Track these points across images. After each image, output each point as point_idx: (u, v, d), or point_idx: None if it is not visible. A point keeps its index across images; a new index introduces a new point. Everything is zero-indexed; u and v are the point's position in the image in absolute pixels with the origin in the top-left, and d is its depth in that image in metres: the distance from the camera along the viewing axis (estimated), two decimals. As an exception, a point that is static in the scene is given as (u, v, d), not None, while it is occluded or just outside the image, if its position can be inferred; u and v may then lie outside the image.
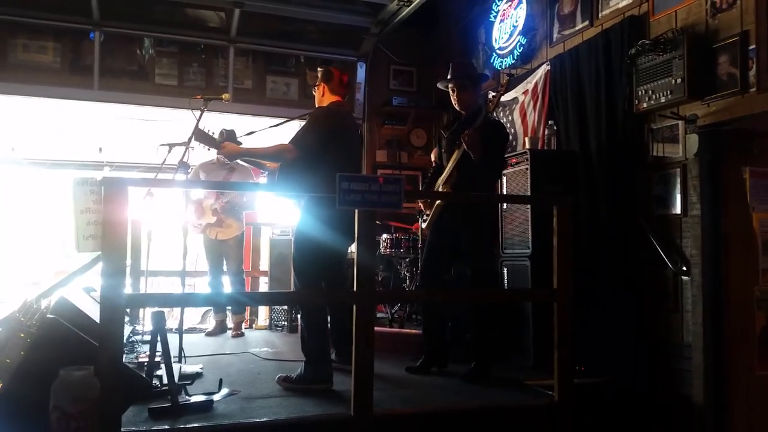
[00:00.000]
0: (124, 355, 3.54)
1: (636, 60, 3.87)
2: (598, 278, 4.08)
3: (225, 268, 5.50)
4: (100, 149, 7.06)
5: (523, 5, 5.31)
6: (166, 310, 3.37)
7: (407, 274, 5.39)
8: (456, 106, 3.93)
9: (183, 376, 3.40)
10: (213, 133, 3.79)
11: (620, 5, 4.28)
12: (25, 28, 6.03)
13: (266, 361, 4.20)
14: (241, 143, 5.39)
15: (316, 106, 3.73)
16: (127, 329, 4.49)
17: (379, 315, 5.11)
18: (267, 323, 6.01)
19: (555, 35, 5.04)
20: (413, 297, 4.84)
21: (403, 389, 3.42)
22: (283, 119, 3.76)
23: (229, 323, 5.60)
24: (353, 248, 2.98)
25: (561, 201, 3.15)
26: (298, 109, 6.16)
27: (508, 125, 5.38)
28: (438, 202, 3.86)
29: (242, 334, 5.41)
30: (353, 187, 2.70)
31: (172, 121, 6.51)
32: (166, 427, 2.59)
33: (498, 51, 5.63)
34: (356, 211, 2.76)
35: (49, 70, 6.13)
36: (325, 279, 3.57)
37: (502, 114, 5.49)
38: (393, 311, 5.19)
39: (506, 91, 3.88)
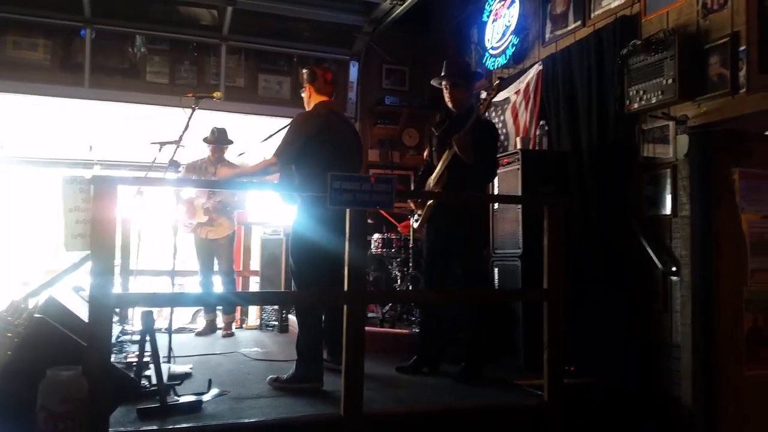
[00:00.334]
0: (113, 355, 3.51)
1: (627, 60, 3.88)
2: (589, 278, 4.09)
3: (216, 267, 5.47)
4: (90, 147, 7.01)
5: (516, 5, 5.32)
6: (155, 309, 3.35)
7: (398, 274, 5.39)
8: (448, 104, 3.93)
9: (172, 377, 3.38)
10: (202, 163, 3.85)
11: (612, 5, 4.29)
12: (15, 24, 5.99)
13: (256, 362, 4.18)
14: (232, 142, 5.42)
15: (305, 108, 3.73)
16: (116, 329, 4.47)
17: (370, 315, 5.10)
18: (257, 323, 5.99)
19: (547, 35, 5.05)
20: (404, 297, 4.84)
21: (393, 389, 3.42)
22: (272, 132, 3.75)
23: (220, 323, 5.58)
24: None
25: (552, 201, 3.16)
26: (290, 108, 6.17)
27: (500, 125, 5.38)
28: (429, 201, 3.85)
29: (232, 334, 5.39)
30: (345, 186, 2.70)
31: (163, 119, 6.48)
32: (155, 427, 2.57)
33: (490, 50, 5.64)
34: (347, 210, 2.76)
35: (39, 67, 6.09)
36: (322, 278, 3.56)
37: (494, 114, 5.50)
38: (384, 311, 5.18)
39: (497, 93, 3.87)
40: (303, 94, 3.76)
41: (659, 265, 3.69)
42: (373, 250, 5.43)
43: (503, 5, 5.52)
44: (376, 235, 5.47)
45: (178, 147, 4.04)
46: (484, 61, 5.74)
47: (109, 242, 2.48)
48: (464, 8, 6.32)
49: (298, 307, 3.55)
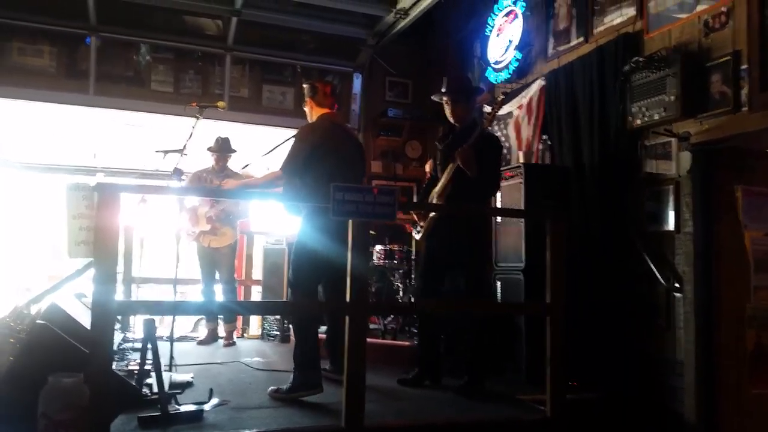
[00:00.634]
0: (114, 363, 3.51)
1: (630, 77, 3.91)
2: (591, 293, 4.09)
3: (218, 276, 5.47)
4: (95, 154, 7.04)
5: (519, 20, 5.35)
6: (157, 317, 3.35)
7: (400, 286, 5.38)
8: (450, 119, 3.96)
9: (173, 385, 3.37)
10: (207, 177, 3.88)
11: (615, 22, 4.33)
12: (22, 31, 6.03)
13: (257, 371, 4.17)
14: (235, 151, 5.44)
15: (308, 122, 3.77)
16: (118, 336, 4.46)
17: (372, 326, 5.09)
18: (259, 333, 5.98)
19: (550, 51, 5.09)
20: (406, 308, 4.83)
21: (395, 401, 3.41)
22: (275, 145, 3.79)
23: (221, 332, 5.56)
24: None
25: (555, 215, 3.17)
26: (293, 119, 6.20)
27: (503, 139, 5.40)
28: (432, 213, 3.87)
29: (234, 344, 5.38)
30: (347, 197, 2.71)
31: (167, 128, 6.51)
32: (156, 436, 2.57)
33: (493, 65, 5.67)
34: (350, 221, 2.77)
35: (44, 74, 6.12)
36: (318, 289, 3.57)
37: (496, 128, 5.52)
38: (386, 323, 5.17)
39: (500, 108, 3.90)
40: (305, 108, 3.81)
41: (662, 281, 3.69)
42: (375, 261, 5.44)
43: (506, 21, 5.56)
44: (378, 247, 5.47)
45: (182, 156, 4.06)
46: (486, 75, 5.77)
47: (112, 250, 2.49)
48: (467, 23, 6.37)
49: (295, 317, 3.55)
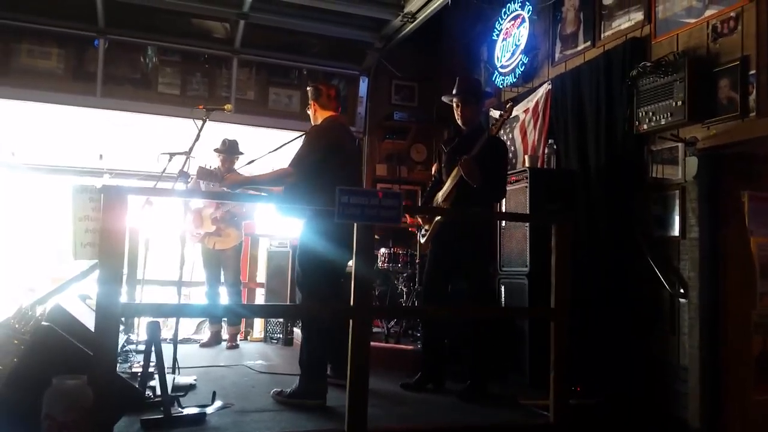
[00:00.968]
0: (118, 365, 3.51)
1: (637, 81, 3.90)
2: (596, 298, 4.07)
3: (222, 278, 5.48)
4: (101, 156, 7.06)
5: (526, 24, 5.35)
6: (161, 319, 3.35)
7: (404, 289, 5.37)
8: (458, 121, 3.96)
9: (176, 388, 3.37)
10: (212, 166, 3.94)
11: (622, 27, 4.32)
12: (30, 33, 6.06)
13: (260, 374, 4.17)
14: (242, 153, 5.44)
15: (312, 124, 3.76)
16: (122, 338, 4.47)
17: (375, 330, 5.08)
18: (262, 335, 5.98)
19: (557, 55, 5.08)
20: (410, 312, 4.82)
21: (398, 406, 3.40)
22: (281, 144, 3.79)
23: (224, 334, 5.57)
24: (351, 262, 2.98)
25: (560, 219, 3.15)
26: (300, 121, 6.20)
27: (509, 143, 5.40)
28: (437, 217, 3.87)
29: (237, 346, 5.38)
30: (352, 200, 2.70)
31: (174, 130, 6.53)
32: (158, 438, 2.57)
33: (500, 69, 5.66)
34: (355, 224, 2.76)
35: (52, 75, 6.15)
36: (328, 291, 3.56)
37: (502, 131, 5.51)
38: (389, 326, 5.16)
39: (509, 116, 3.89)
40: (309, 111, 3.81)
41: (667, 287, 3.67)
42: (380, 264, 5.43)
43: (513, 24, 5.56)
44: (382, 250, 5.46)
45: (188, 158, 4.06)
46: (493, 79, 5.77)
47: (118, 251, 2.50)
48: (474, 26, 6.36)
49: (304, 320, 3.54)
